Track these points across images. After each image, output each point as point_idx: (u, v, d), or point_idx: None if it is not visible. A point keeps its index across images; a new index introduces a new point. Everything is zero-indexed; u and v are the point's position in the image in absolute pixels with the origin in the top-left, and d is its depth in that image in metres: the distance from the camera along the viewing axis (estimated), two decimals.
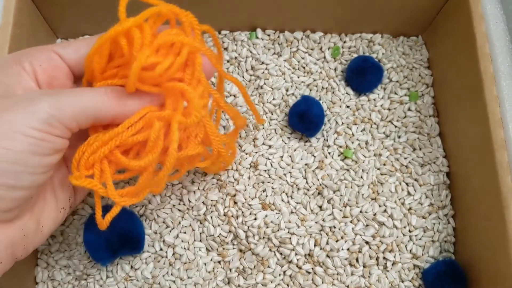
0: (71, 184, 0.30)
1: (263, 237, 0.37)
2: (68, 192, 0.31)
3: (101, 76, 0.29)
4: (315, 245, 0.37)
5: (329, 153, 0.41)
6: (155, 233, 0.38)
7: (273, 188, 0.39)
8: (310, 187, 0.39)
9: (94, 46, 0.28)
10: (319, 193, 0.39)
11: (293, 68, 0.44)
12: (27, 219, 0.28)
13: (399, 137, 0.42)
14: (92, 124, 0.27)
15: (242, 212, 0.38)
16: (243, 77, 0.44)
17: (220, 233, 0.38)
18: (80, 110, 0.26)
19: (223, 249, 0.38)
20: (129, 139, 0.28)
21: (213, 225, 0.38)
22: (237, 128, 0.37)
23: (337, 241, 0.38)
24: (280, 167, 0.40)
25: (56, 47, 0.29)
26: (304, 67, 0.44)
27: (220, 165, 0.38)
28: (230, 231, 0.38)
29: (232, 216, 0.38)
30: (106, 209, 0.37)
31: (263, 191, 0.39)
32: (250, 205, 0.38)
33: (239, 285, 0.37)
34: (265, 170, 0.40)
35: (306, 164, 0.40)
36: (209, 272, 0.38)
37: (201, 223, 0.39)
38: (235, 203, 0.39)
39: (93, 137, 0.28)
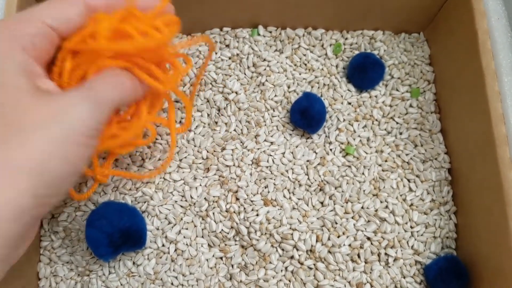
0: None
1: (265, 233, 0.38)
2: None
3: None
4: (316, 241, 0.37)
5: (331, 149, 0.41)
6: (157, 229, 0.39)
7: (275, 185, 0.39)
8: (312, 183, 0.39)
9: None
10: (320, 189, 0.39)
11: (295, 65, 0.44)
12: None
13: (400, 133, 0.42)
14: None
15: (244, 208, 0.38)
16: (245, 74, 0.44)
17: (222, 229, 0.38)
18: (115, 104, 0.26)
19: (225, 245, 0.38)
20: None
21: (215, 221, 0.38)
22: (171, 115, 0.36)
23: (338, 237, 0.38)
24: (282, 163, 0.40)
25: (48, 19, 0.26)
26: (305, 64, 0.44)
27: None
28: (232, 227, 0.38)
29: (234, 212, 0.38)
30: (107, 205, 0.37)
31: (265, 187, 0.39)
32: (252, 201, 0.38)
33: (241, 281, 0.37)
34: (267, 167, 0.40)
35: (308, 161, 0.40)
36: (211, 268, 0.38)
37: (203, 219, 0.39)
38: (237, 199, 0.39)
39: None
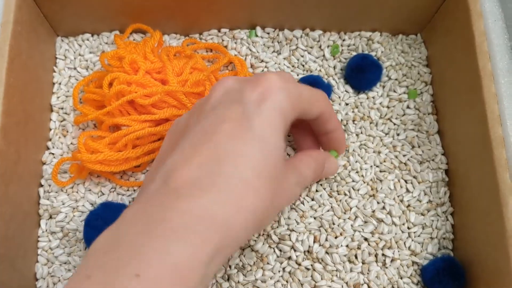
0: None
1: (263, 234, 0.38)
2: None
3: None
4: (314, 242, 0.38)
5: None
6: None
7: None
8: (309, 184, 0.40)
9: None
10: (317, 190, 0.39)
11: (293, 66, 0.44)
12: None
13: (398, 134, 0.42)
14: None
15: None
16: None
17: None
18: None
19: None
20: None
21: None
22: None
23: (336, 237, 0.38)
24: None
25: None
26: (303, 65, 0.44)
27: None
28: None
29: None
30: (105, 205, 0.37)
31: None
32: None
33: (238, 282, 0.37)
34: None
35: None
36: None
37: None
38: None
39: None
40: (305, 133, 0.37)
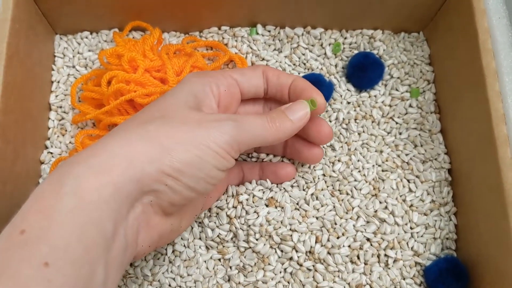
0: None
1: (264, 235, 0.37)
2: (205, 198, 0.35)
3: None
4: (316, 242, 0.37)
5: (331, 148, 0.41)
6: None
7: (276, 185, 0.39)
8: (313, 183, 0.39)
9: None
10: (321, 189, 0.39)
11: (294, 64, 0.44)
12: (176, 217, 0.31)
13: (400, 133, 0.42)
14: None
15: (246, 211, 0.37)
16: None
17: (219, 233, 0.37)
18: (253, 139, 0.30)
19: (223, 246, 0.38)
20: None
21: (211, 229, 0.38)
22: None
23: (338, 237, 0.37)
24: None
25: (235, 74, 0.33)
26: (304, 64, 0.44)
27: None
28: (230, 230, 0.38)
29: (235, 217, 0.37)
30: None
31: (268, 189, 0.39)
32: (253, 201, 0.38)
33: (239, 283, 0.37)
34: None
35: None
36: (209, 269, 0.37)
37: (200, 223, 0.38)
38: (240, 202, 0.38)
39: None
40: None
